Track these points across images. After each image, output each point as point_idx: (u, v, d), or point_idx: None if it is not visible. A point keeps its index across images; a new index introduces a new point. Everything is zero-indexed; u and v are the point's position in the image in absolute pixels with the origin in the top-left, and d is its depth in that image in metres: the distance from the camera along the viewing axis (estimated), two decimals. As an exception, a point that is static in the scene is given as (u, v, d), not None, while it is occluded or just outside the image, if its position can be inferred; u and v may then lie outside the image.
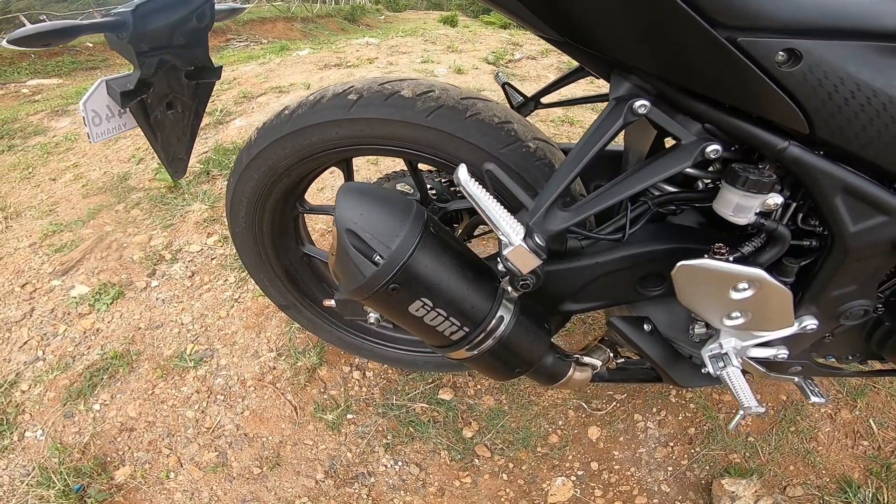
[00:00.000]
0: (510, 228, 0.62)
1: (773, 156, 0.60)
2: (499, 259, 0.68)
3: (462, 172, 0.62)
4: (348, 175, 1.06)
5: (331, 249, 0.72)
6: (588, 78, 1.24)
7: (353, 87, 0.86)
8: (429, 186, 1.10)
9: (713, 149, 0.60)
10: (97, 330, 1.46)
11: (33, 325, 1.48)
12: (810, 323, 0.74)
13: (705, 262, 0.64)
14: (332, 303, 1.05)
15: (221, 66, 0.97)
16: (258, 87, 3.34)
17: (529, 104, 1.16)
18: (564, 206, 0.67)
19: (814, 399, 0.84)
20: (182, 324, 1.49)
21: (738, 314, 0.71)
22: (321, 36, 10.00)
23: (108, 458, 1.16)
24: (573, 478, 1.12)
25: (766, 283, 0.65)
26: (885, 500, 1.05)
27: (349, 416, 1.25)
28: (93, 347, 1.41)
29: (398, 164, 2.22)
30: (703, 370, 0.80)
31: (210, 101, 0.99)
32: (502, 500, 1.10)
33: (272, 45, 6.71)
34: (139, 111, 0.87)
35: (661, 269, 0.78)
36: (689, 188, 0.78)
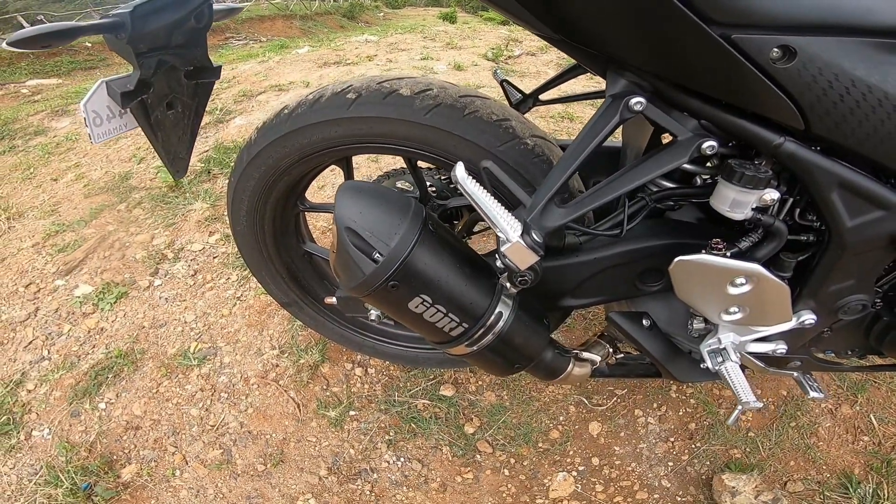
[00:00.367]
0: (507, 225, 0.63)
1: (768, 152, 0.61)
2: (497, 256, 0.68)
3: (459, 170, 0.63)
4: (348, 173, 1.07)
5: (331, 247, 0.73)
6: (587, 74, 1.25)
7: (351, 85, 0.86)
8: (428, 184, 1.11)
9: (709, 145, 0.61)
10: (101, 329, 1.48)
11: (38, 325, 1.49)
12: (808, 318, 0.75)
13: (702, 257, 0.65)
14: (333, 300, 1.06)
15: (220, 66, 0.98)
16: (258, 86, 3.35)
17: (528, 101, 1.16)
18: (562, 202, 0.68)
19: (813, 394, 0.85)
20: (185, 322, 1.50)
21: (736, 309, 0.71)
22: (320, 33, 9.99)
23: (115, 457, 1.18)
24: (574, 473, 1.13)
25: (764, 277, 0.65)
26: (886, 496, 1.06)
27: (352, 413, 1.26)
28: (97, 346, 1.43)
29: (399, 162, 2.23)
30: (701, 365, 0.81)
31: (210, 99, 1.00)
32: (504, 495, 1.11)
33: (271, 43, 6.71)
34: (139, 111, 0.87)
35: (660, 265, 0.79)
36: (687, 184, 0.79)
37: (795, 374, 0.88)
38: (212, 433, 1.21)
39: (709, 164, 0.73)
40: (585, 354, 0.85)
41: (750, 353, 0.82)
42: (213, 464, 1.16)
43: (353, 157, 1.09)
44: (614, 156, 1.07)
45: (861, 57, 0.52)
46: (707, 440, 1.18)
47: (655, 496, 1.08)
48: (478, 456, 1.18)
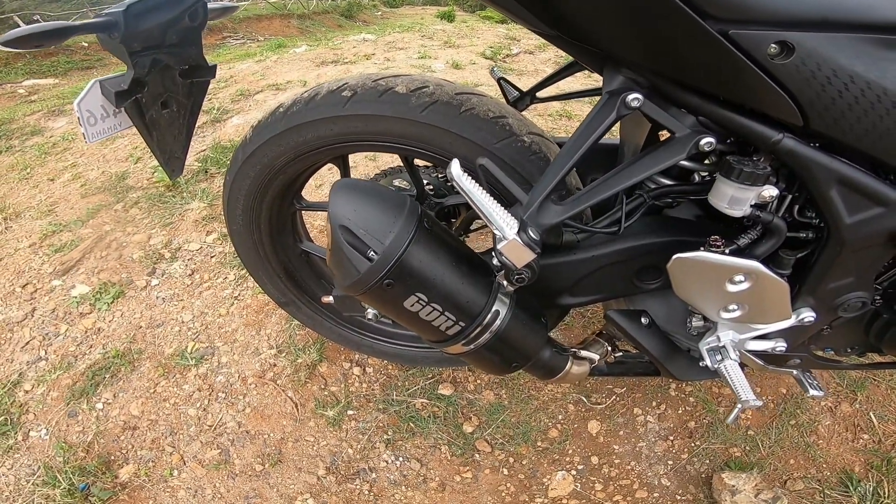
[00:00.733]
0: (504, 223, 0.62)
1: (767, 148, 0.60)
2: (493, 253, 0.68)
3: (455, 167, 0.63)
4: (344, 171, 1.06)
5: (327, 246, 0.72)
6: (584, 72, 1.24)
7: (346, 83, 0.86)
8: (425, 182, 1.10)
9: (707, 141, 0.61)
10: (98, 329, 1.48)
11: (35, 326, 1.49)
12: (808, 315, 0.75)
13: (701, 254, 0.64)
14: (330, 299, 1.06)
15: (216, 65, 0.98)
16: (255, 85, 3.34)
17: (525, 98, 1.16)
18: (559, 199, 0.68)
19: (812, 392, 0.84)
20: (183, 322, 1.50)
21: (735, 307, 0.71)
22: (318, 32, 9.98)
23: (112, 457, 1.17)
24: (573, 472, 1.13)
25: (763, 275, 0.65)
26: (886, 494, 1.05)
27: (350, 413, 1.26)
28: (94, 347, 1.43)
29: (396, 160, 2.22)
30: (700, 363, 0.81)
31: (207, 99, 1.00)
32: (503, 494, 1.11)
33: (268, 42, 6.69)
34: (134, 111, 0.87)
35: (658, 262, 0.78)
36: (685, 181, 0.79)
37: (795, 371, 0.87)
38: (209, 433, 1.21)
39: (706, 161, 0.73)
40: (584, 353, 0.85)
41: (749, 351, 0.82)
42: (211, 464, 1.16)
43: (350, 156, 1.09)
44: (612, 153, 1.07)
45: (859, 53, 0.52)
46: (707, 438, 1.18)
47: (655, 495, 1.08)
48: (476, 455, 1.18)
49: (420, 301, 0.66)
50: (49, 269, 1.69)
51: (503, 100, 1.11)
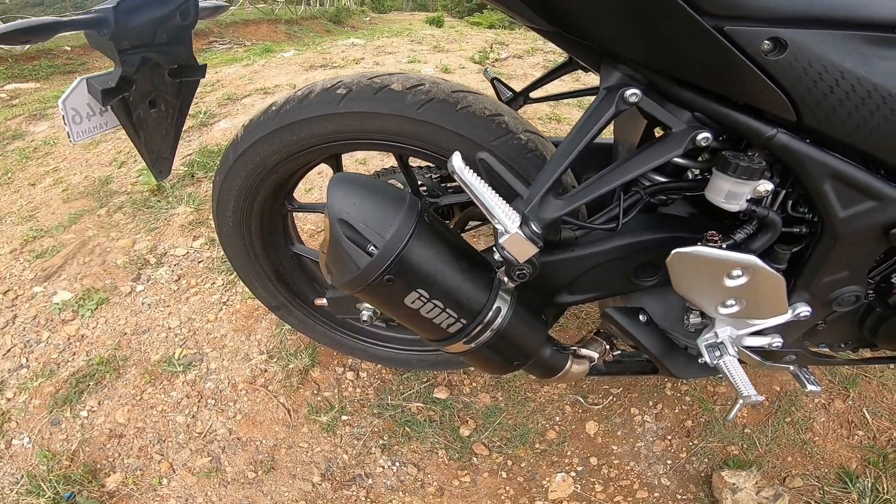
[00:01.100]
0: (506, 216, 0.62)
1: (761, 143, 0.62)
2: (495, 248, 0.68)
3: (457, 160, 0.62)
4: (338, 171, 1.06)
5: (322, 243, 0.72)
6: (575, 74, 1.26)
7: (341, 81, 0.86)
8: (419, 182, 1.11)
9: (703, 136, 0.62)
10: (82, 336, 1.45)
11: (16, 333, 1.46)
12: (803, 310, 0.76)
13: (700, 249, 0.65)
14: (323, 301, 1.04)
15: (206, 65, 0.97)
16: (242, 89, 3.33)
17: (518, 99, 1.17)
18: (558, 195, 0.68)
19: (810, 388, 0.86)
20: (169, 328, 1.48)
21: (733, 302, 0.72)
22: (306, 38, 9.98)
23: (99, 465, 1.15)
24: (573, 473, 1.13)
25: (760, 269, 0.66)
26: (885, 490, 1.07)
27: (344, 418, 1.25)
28: (78, 354, 1.40)
29: (388, 162, 2.22)
30: (699, 360, 0.82)
31: (193, 103, 0.99)
32: (502, 498, 1.11)
33: (256, 47, 6.68)
34: (121, 109, 0.86)
35: (655, 259, 0.79)
36: (680, 178, 0.80)
37: (791, 367, 0.89)
38: (199, 440, 1.19)
39: (700, 157, 0.75)
40: (584, 351, 0.85)
41: (746, 347, 0.83)
42: (202, 472, 1.13)
43: (343, 156, 1.08)
44: (606, 152, 1.08)
45: (850, 50, 0.54)
46: (704, 437, 1.18)
47: (656, 495, 1.08)
48: (474, 458, 1.17)
49: (421, 297, 0.66)
50: (30, 275, 1.65)
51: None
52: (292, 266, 1.22)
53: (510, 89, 1.20)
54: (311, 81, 3.80)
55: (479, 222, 1.25)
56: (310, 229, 1.86)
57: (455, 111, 0.82)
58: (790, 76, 0.55)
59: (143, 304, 1.55)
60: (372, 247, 0.63)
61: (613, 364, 0.96)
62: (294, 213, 1.19)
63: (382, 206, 0.65)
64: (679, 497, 1.08)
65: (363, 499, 1.11)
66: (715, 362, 0.77)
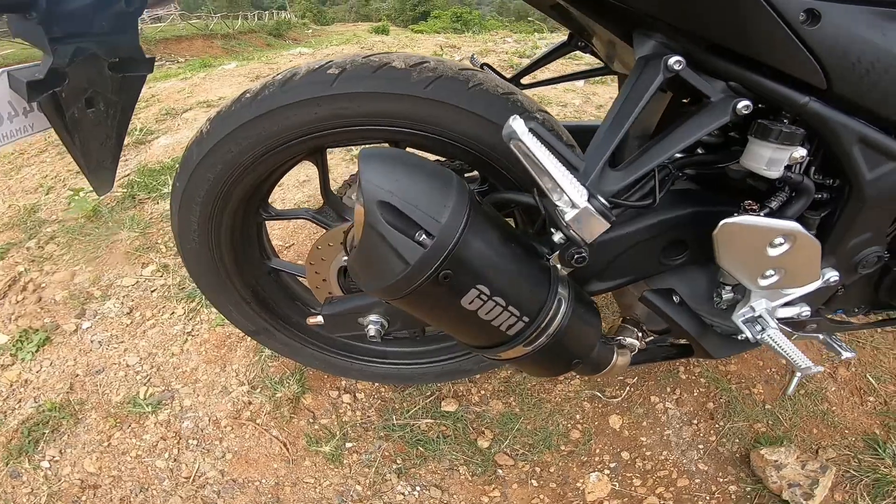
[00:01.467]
0: (575, 189, 0.58)
1: (795, 110, 0.66)
2: (554, 229, 0.66)
3: (518, 124, 0.58)
4: (323, 171, 0.99)
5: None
6: (561, 59, 1.30)
7: (332, 62, 0.82)
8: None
9: (744, 105, 0.65)
10: (25, 381, 1.34)
11: (-57, 386, 1.31)
12: (832, 275, 0.82)
13: (748, 218, 0.69)
14: (317, 320, 0.98)
15: (153, 58, 0.88)
16: (182, 103, 3.22)
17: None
18: (614, 167, 0.67)
19: (846, 354, 0.91)
20: (128, 366, 1.38)
21: (772, 272, 0.76)
22: (245, 52, 9.73)
23: (71, 528, 1.04)
24: (606, 471, 1.15)
25: (801, 235, 0.71)
26: None
27: (348, 445, 1.21)
28: (24, 400, 1.29)
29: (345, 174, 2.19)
30: (738, 337, 0.86)
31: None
32: (535, 508, 1.11)
33: (191, 62, 6.47)
34: (51, 108, 0.77)
35: (683, 236, 0.83)
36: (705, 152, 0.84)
37: (821, 336, 0.95)
38: (188, 486, 1.11)
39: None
40: (628, 341, 0.86)
41: (779, 319, 0.88)
42: (195, 525, 1.06)
43: (328, 152, 1.04)
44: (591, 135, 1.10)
45: (876, 24, 0.61)
46: (729, 418, 1.24)
47: (697, 481, 1.12)
48: (499, 471, 1.17)
49: (482, 295, 0.60)
50: (-50, 320, 1.49)
51: None
52: (270, 284, 1.17)
53: (500, 75, 1.21)
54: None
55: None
56: (277, 246, 1.80)
57: (468, 88, 0.80)
58: (823, 46, 0.60)
59: (92, 341, 1.44)
60: (423, 235, 0.56)
61: (645, 352, 0.99)
62: (266, 224, 1.13)
63: (431, 183, 0.59)
64: (721, 480, 1.12)
65: (385, 531, 1.07)
66: (758, 336, 0.81)
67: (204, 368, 1.38)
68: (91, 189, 0.94)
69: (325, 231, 1.00)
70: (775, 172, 0.68)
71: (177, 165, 2.42)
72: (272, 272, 1.16)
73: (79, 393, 1.30)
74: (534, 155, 0.59)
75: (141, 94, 0.92)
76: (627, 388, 1.32)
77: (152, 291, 1.63)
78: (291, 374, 1.34)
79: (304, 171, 2.23)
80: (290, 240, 1.87)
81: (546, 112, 0.89)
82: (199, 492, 1.10)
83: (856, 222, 0.77)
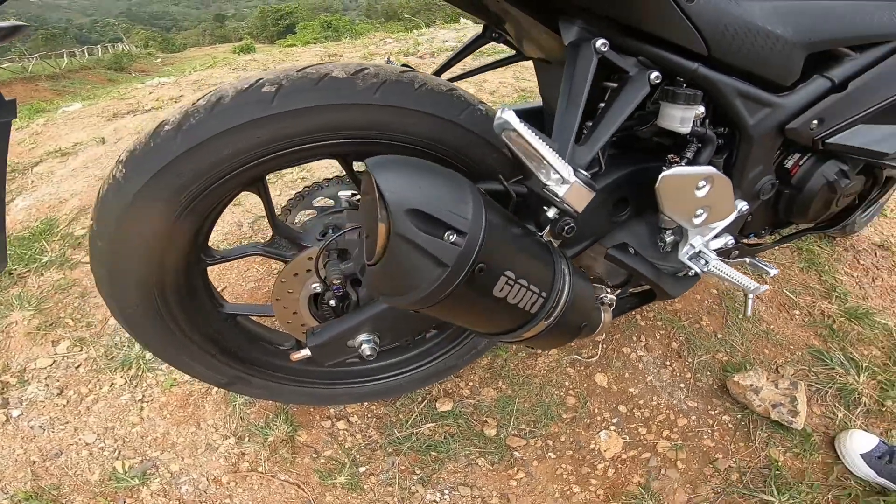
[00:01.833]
0: (563, 167, 0.70)
1: (689, 76, 0.92)
2: (546, 207, 0.80)
3: (509, 114, 0.67)
4: (266, 199, 1.00)
5: (374, 255, 0.67)
6: (480, 50, 1.50)
7: (261, 79, 0.82)
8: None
9: (655, 75, 0.89)
10: (-21, 480, 1.27)
11: None
12: (742, 205, 1.10)
13: (679, 169, 0.92)
14: (302, 354, 1.03)
15: (14, 100, 0.73)
16: (28, 156, 3.02)
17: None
18: (577, 143, 0.84)
19: (772, 272, 1.20)
20: (87, 444, 1.37)
21: (702, 210, 1.02)
22: (83, 91, 9.08)
23: None
24: (612, 427, 1.35)
25: (717, 176, 0.96)
26: (857, 358, 1.41)
27: (362, 469, 1.30)
28: (-9, 497, 1.24)
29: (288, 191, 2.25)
30: (690, 273, 1.10)
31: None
32: (564, 476, 1.26)
33: (19, 109, 5.90)
34: None
35: (625, 194, 1.06)
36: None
37: (748, 260, 1.24)
38: (212, 550, 1.15)
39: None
40: (607, 297, 1.07)
41: (713, 251, 1.15)
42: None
43: (268, 178, 1.05)
44: (537, 114, 1.30)
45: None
46: (693, 353, 1.52)
47: (693, 418, 1.34)
48: (515, 453, 1.32)
49: (510, 281, 0.67)
50: None
51: None
52: (230, 330, 1.17)
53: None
54: (122, 131, 3.58)
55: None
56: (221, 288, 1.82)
57: (415, 90, 0.86)
58: (700, 18, 0.84)
59: (31, 427, 1.40)
60: (452, 234, 0.60)
61: (617, 305, 1.20)
62: (207, 269, 1.08)
63: (447, 183, 0.64)
64: (713, 413, 1.37)
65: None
66: (705, 269, 1.06)
67: (176, 431, 1.39)
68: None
69: (284, 264, 1.04)
70: (686, 128, 0.93)
71: (50, 228, 2.27)
72: (228, 318, 1.16)
73: (47, 479, 1.28)
74: (528, 141, 0.70)
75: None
76: (600, 345, 1.56)
77: (77, 367, 1.60)
78: (275, 415, 1.40)
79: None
80: (220, 282, 1.86)
81: (484, 103, 1.01)
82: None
83: (749, 159, 1.05)
